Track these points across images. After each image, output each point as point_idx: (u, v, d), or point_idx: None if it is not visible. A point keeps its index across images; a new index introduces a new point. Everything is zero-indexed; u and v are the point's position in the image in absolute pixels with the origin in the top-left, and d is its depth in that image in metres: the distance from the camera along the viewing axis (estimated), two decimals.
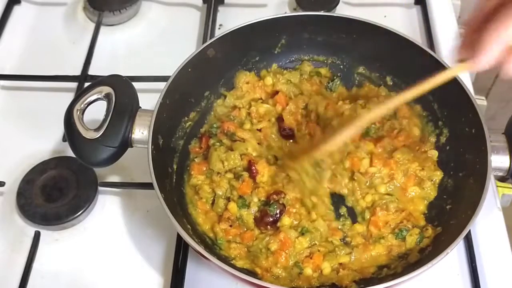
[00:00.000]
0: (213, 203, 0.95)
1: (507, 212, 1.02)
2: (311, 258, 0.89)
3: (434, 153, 0.98)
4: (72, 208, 0.99)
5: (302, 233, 0.90)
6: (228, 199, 0.94)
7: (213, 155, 0.97)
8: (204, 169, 0.98)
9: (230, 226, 0.92)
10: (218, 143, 0.98)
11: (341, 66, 1.10)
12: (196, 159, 1.01)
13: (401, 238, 0.92)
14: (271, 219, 0.91)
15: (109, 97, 0.89)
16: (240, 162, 0.96)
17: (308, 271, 0.88)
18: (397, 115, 1.02)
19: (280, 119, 1.04)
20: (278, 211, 0.91)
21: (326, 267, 0.89)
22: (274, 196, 0.92)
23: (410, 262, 0.88)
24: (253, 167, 0.94)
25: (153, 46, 1.28)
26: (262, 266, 0.88)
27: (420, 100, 1.02)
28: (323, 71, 1.10)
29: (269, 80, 1.06)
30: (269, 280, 0.86)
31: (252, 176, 0.95)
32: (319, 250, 0.90)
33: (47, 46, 1.28)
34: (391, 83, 1.06)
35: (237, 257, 0.90)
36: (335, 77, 1.09)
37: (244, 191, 0.94)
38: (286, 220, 0.91)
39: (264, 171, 0.95)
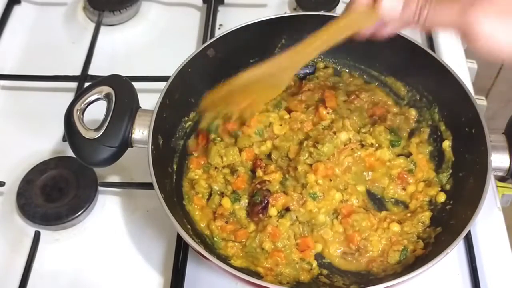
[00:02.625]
0: (209, 199, 0.95)
1: (507, 212, 1.02)
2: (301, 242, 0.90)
3: (427, 214, 0.93)
4: (72, 208, 0.99)
5: (281, 216, 0.91)
6: (222, 195, 0.94)
7: (212, 149, 0.96)
8: (202, 162, 0.98)
9: (226, 222, 0.92)
10: (218, 138, 0.98)
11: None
12: (194, 153, 1.00)
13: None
14: (259, 207, 0.90)
15: (109, 97, 0.89)
16: (239, 158, 0.96)
17: (314, 264, 0.89)
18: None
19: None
20: (265, 199, 0.91)
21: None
22: (258, 186, 0.92)
23: (409, 262, 0.88)
24: (260, 164, 0.95)
25: (153, 46, 1.28)
26: (265, 266, 0.88)
27: (421, 101, 1.03)
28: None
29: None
30: (269, 280, 0.86)
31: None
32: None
33: (47, 46, 1.28)
34: (391, 83, 1.06)
35: (234, 256, 0.90)
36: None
37: (239, 186, 0.94)
38: (273, 211, 0.91)
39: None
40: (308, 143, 0.95)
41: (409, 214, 0.94)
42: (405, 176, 0.96)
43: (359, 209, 0.93)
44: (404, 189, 0.96)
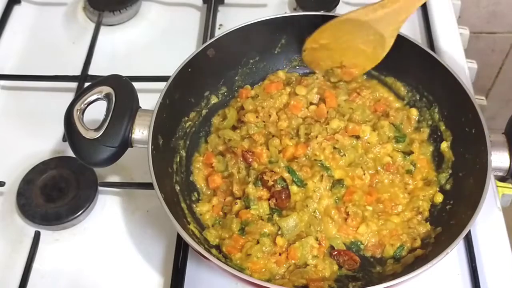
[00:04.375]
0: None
1: (507, 212, 1.02)
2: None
3: (439, 196, 0.95)
4: (72, 208, 0.99)
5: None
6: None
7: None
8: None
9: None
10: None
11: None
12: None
13: None
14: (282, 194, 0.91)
15: (109, 97, 0.89)
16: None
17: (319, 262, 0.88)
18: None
19: None
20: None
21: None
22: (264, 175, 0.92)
23: (409, 262, 0.88)
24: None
25: (153, 46, 1.28)
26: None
27: (421, 101, 1.03)
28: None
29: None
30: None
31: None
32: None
33: (47, 46, 1.28)
34: (391, 83, 1.06)
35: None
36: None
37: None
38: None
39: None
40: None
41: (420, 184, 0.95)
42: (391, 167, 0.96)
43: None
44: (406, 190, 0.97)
